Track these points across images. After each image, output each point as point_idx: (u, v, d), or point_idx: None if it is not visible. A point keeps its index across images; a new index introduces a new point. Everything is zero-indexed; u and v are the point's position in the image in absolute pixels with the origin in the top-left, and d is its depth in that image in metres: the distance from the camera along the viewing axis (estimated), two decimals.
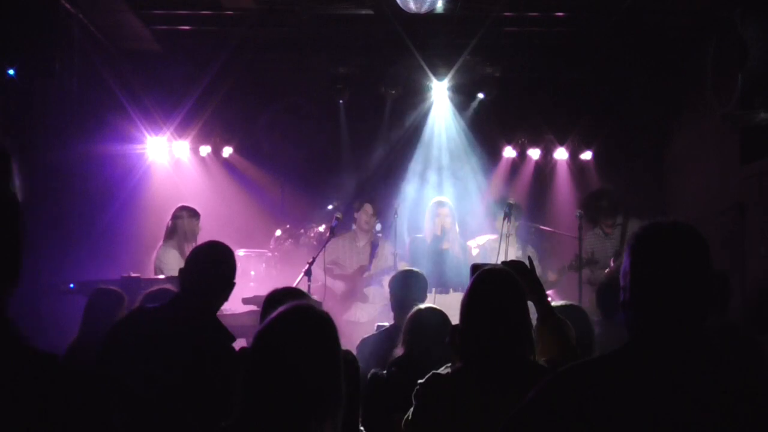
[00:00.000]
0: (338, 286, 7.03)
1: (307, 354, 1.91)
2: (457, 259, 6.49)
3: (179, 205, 6.80)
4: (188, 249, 6.57)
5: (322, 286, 6.90)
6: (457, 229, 6.88)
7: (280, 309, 2.01)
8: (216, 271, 3.24)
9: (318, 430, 1.88)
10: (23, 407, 1.33)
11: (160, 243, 6.67)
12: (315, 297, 7.69)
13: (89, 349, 4.37)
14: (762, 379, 1.72)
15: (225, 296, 3.33)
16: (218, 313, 3.34)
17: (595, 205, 7.25)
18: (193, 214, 6.68)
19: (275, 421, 1.87)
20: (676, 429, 1.63)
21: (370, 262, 6.88)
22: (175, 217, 6.63)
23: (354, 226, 7.21)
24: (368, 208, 7.09)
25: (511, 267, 2.76)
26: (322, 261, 6.87)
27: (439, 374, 2.54)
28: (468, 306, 2.56)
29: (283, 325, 1.96)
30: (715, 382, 1.67)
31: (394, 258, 6.72)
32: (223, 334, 3.11)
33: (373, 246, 7.01)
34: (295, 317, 1.98)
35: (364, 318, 6.86)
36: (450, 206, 6.68)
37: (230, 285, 3.29)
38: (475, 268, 2.72)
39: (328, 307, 7.03)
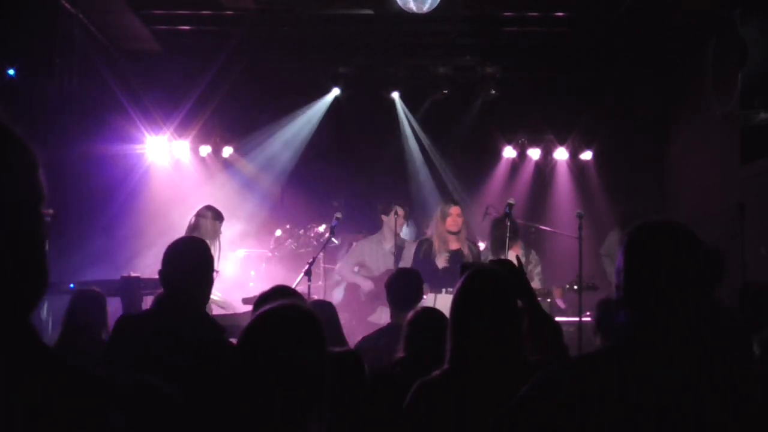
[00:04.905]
0: (367, 285, 7.00)
1: (292, 351, 1.93)
2: (467, 259, 6.48)
3: (205, 204, 6.47)
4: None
5: (348, 285, 7.13)
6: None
7: (266, 307, 2.03)
8: (203, 270, 3.21)
9: (302, 426, 1.90)
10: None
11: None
12: (336, 295, 7.75)
13: (70, 351, 4.38)
14: (755, 378, 1.72)
15: (210, 292, 3.31)
16: (218, 313, 3.33)
17: None
18: (218, 216, 6.35)
19: (259, 416, 1.90)
20: (669, 427, 1.63)
21: (396, 264, 6.83)
22: (199, 215, 6.29)
23: (383, 229, 7.15)
24: (400, 210, 6.99)
25: (500, 266, 2.76)
26: (351, 262, 7.14)
27: (426, 381, 2.53)
28: (457, 306, 2.56)
29: (268, 322, 1.99)
30: (708, 381, 1.67)
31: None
32: (215, 328, 3.11)
33: (399, 249, 6.96)
34: (281, 315, 2.01)
35: (385, 320, 6.82)
36: (460, 207, 6.67)
37: (212, 281, 3.28)
38: (465, 267, 2.71)
39: (353, 308, 7.07)
